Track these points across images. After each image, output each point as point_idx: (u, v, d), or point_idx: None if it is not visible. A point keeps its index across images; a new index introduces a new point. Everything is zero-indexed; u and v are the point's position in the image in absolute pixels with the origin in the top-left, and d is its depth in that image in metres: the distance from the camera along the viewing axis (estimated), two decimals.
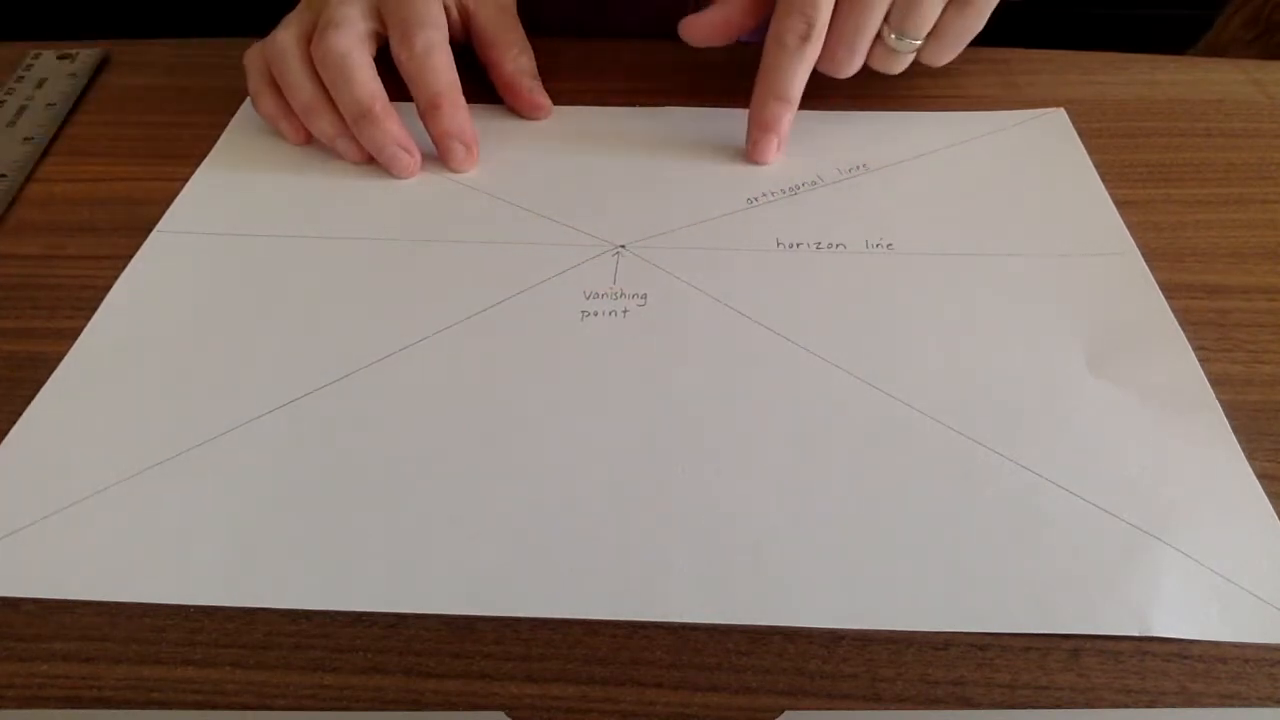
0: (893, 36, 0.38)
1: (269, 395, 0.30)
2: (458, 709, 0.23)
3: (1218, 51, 0.70)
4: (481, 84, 0.44)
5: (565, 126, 0.42)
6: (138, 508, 0.27)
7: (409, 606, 0.25)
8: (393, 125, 0.38)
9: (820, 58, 0.38)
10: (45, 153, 0.41)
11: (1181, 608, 0.24)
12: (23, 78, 0.44)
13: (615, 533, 0.26)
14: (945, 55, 0.39)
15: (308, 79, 0.38)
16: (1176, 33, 0.72)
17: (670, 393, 0.30)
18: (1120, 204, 0.37)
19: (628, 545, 0.26)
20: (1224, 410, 0.29)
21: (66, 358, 0.31)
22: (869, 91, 0.43)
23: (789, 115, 0.38)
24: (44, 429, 0.29)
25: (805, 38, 0.36)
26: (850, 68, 0.39)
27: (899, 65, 0.40)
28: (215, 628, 0.24)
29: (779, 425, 0.29)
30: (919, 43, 0.38)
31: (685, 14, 0.45)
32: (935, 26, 0.38)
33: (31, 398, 0.30)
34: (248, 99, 0.43)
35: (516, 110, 0.43)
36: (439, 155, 0.39)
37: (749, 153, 0.39)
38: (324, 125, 0.39)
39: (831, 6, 0.36)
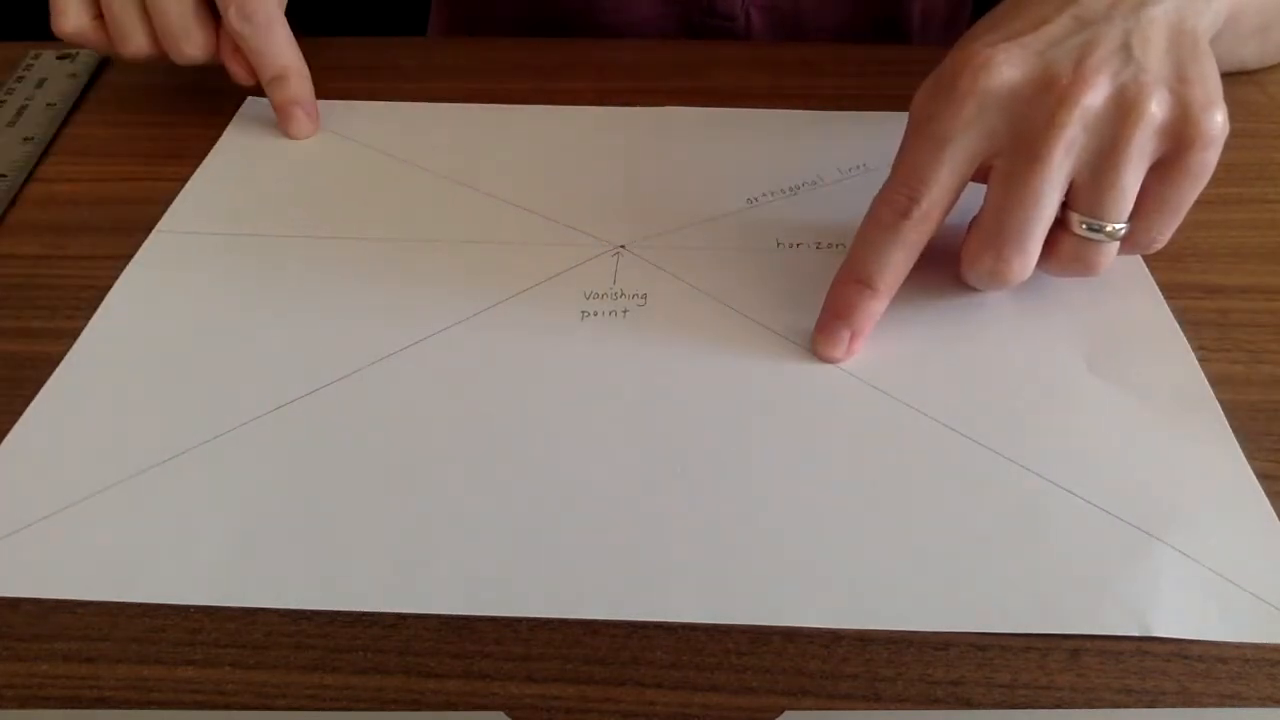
0: (1083, 225, 0.29)
1: (269, 395, 0.30)
2: (458, 709, 0.23)
3: None
4: (482, 76, 0.44)
5: (565, 126, 0.42)
6: (138, 508, 0.27)
7: (409, 606, 0.25)
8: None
9: (982, 259, 0.29)
10: (45, 153, 0.41)
11: (1181, 607, 0.24)
12: (23, 78, 0.44)
13: (615, 533, 0.26)
14: (1158, 240, 0.30)
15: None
16: None
17: (670, 393, 0.30)
18: None
19: (628, 545, 0.26)
20: (1224, 410, 0.29)
21: (66, 358, 0.31)
22: (869, 91, 0.43)
23: (871, 305, 0.30)
24: (44, 429, 0.29)
25: (904, 214, 0.29)
26: (1015, 269, 0.29)
27: (1096, 261, 0.29)
28: (215, 628, 0.24)
29: (779, 425, 0.29)
30: (1122, 228, 0.29)
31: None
32: (1139, 203, 0.29)
33: (31, 398, 0.30)
34: (248, 99, 0.43)
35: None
36: (280, 123, 0.41)
37: (814, 342, 0.31)
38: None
39: (950, 183, 0.29)
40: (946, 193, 0.29)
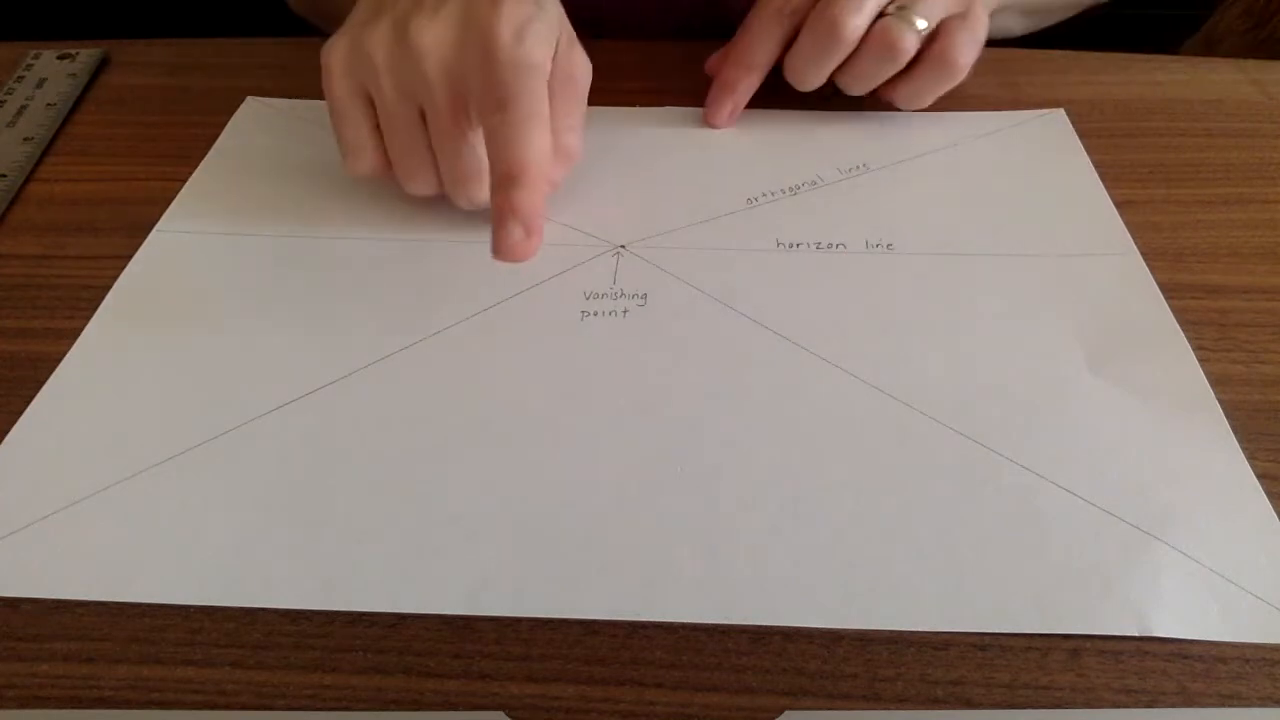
0: (893, 6, 0.37)
1: (268, 395, 0.30)
2: (458, 709, 0.23)
3: (1214, 43, 0.71)
4: None
5: None
6: (138, 508, 0.27)
7: (409, 606, 0.25)
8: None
9: (817, 28, 0.37)
10: (45, 153, 0.41)
11: (1181, 607, 0.24)
12: (23, 78, 0.44)
13: (615, 533, 0.26)
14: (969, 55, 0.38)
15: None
16: (1172, 31, 0.72)
17: (670, 393, 0.30)
18: (1120, 204, 0.37)
19: (628, 545, 0.26)
20: (1224, 410, 0.29)
21: (66, 358, 0.31)
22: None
23: (753, 84, 0.40)
24: (44, 429, 0.29)
25: (780, 11, 0.38)
26: (846, 32, 0.36)
27: (902, 44, 0.37)
28: (215, 628, 0.24)
29: (779, 425, 0.29)
30: (924, 23, 0.37)
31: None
32: (936, 32, 0.37)
33: (31, 398, 0.30)
34: (248, 98, 0.43)
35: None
36: (494, 229, 0.30)
37: (706, 114, 0.41)
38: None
39: None
40: None
